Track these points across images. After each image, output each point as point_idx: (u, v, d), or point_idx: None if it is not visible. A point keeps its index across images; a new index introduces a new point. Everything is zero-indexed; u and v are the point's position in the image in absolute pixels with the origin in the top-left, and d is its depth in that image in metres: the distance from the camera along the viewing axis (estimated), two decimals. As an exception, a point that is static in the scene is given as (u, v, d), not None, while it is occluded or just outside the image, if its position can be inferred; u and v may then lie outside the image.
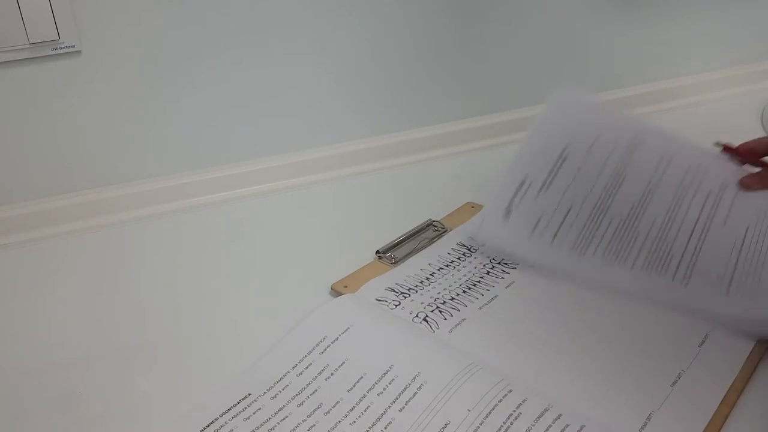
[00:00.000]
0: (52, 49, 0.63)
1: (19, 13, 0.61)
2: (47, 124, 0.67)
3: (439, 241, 0.64)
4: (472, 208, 0.70)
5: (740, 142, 0.62)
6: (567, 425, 0.43)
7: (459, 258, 0.62)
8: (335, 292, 0.58)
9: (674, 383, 0.47)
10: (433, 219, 0.67)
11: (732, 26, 0.97)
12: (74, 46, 0.64)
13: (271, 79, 0.73)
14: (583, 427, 0.43)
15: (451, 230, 0.66)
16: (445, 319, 0.54)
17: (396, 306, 0.56)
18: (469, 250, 0.63)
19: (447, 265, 0.61)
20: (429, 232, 0.66)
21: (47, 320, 0.57)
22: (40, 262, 0.64)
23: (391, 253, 0.62)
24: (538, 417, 0.44)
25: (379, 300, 0.56)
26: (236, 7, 0.69)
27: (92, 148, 0.69)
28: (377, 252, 0.62)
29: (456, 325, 0.53)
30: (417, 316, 0.55)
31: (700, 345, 0.50)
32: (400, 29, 0.77)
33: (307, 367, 0.49)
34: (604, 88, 0.92)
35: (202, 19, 0.68)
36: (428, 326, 0.53)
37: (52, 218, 0.69)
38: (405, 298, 0.57)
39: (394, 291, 0.58)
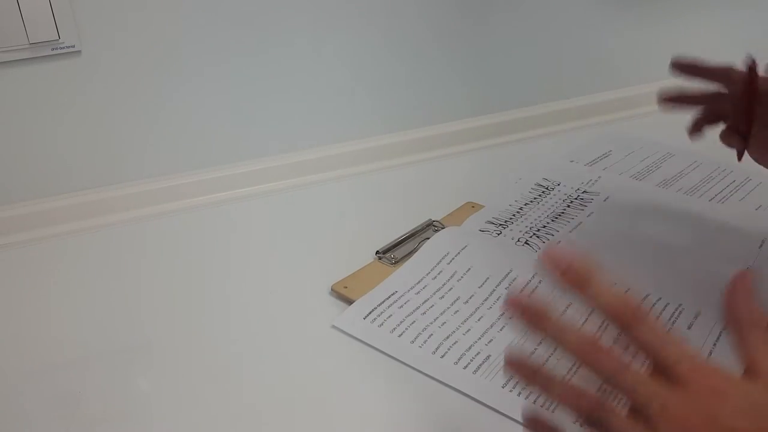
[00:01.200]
0: (52, 49, 0.63)
1: (19, 13, 0.61)
2: (47, 124, 0.67)
3: (519, 182, 0.75)
4: (472, 207, 0.70)
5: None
6: (667, 304, 0.54)
7: (540, 195, 0.72)
8: (335, 292, 0.58)
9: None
10: (433, 219, 0.67)
11: (732, 26, 0.97)
12: (74, 46, 0.64)
13: (270, 79, 0.73)
14: (679, 305, 0.54)
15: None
16: (544, 242, 0.64)
17: (498, 234, 0.65)
18: (546, 189, 0.73)
19: (531, 201, 0.71)
20: (429, 232, 0.66)
21: (47, 320, 0.57)
22: (40, 262, 0.64)
23: (391, 253, 0.62)
24: (643, 299, 0.55)
25: (482, 230, 0.66)
26: (236, 7, 0.69)
27: (92, 148, 0.69)
28: (377, 252, 0.62)
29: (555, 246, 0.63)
30: (519, 240, 0.64)
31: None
32: (400, 31, 0.77)
33: (439, 273, 0.59)
34: (604, 88, 0.92)
35: (202, 19, 0.68)
36: (531, 248, 0.63)
37: (52, 218, 0.69)
38: (504, 228, 0.66)
39: (493, 223, 0.67)
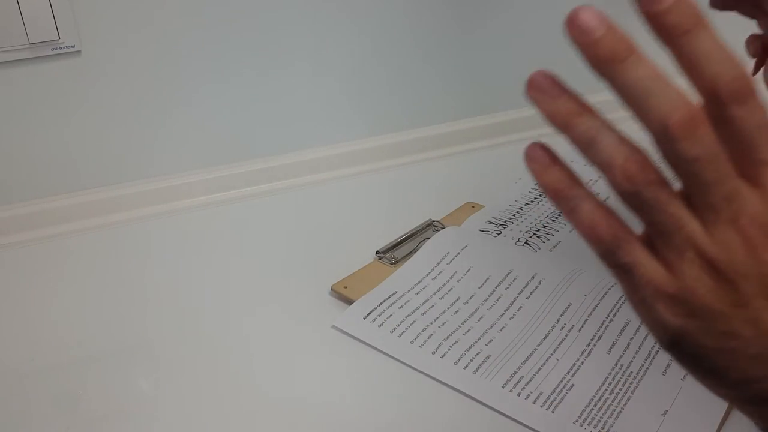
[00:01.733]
0: (52, 49, 0.63)
1: (19, 13, 0.61)
2: (47, 124, 0.67)
3: (519, 182, 0.75)
4: (472, 208, 0.70)
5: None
6: None
7: (540, 195, 0.72)
8: (335, 292, 0.58)
9: None
10: (433, 219, 0.68)
11: (731, 26, 0.97)
12: (74, 46, 0.64)
13: (271, 79, 0.73)
14: None
15: (451, 230, 0.67)
16: (544, 242, 0.64)
17: (498, 234, 0.66)
18: None
19: (531, 201, 0.71)
20: (429, 232, 0.66)
21: (48, 320, 0.57)
22: (41, 262, 0.64)
23: (391, 254, 0.62)
24: None
25: (482, 230, 0.66)
26: (237, 7, 0.69)
27: (92, 148, 0.69)
28: (377, 252, 0.62)
29: (554, 246, 0.64)
30: (519, 240, 0.64)
31: None
32: (399, 30, 0.77)
33: (439, 273, 0.59)
34: (604, 87, 0.92)
35: (203, 19, 0.68)
36: (531, 248, 0.63)
37: (53, 218, 0.69)
38: (504, 228, 0.66)
39: (493, 224, 0.67)
